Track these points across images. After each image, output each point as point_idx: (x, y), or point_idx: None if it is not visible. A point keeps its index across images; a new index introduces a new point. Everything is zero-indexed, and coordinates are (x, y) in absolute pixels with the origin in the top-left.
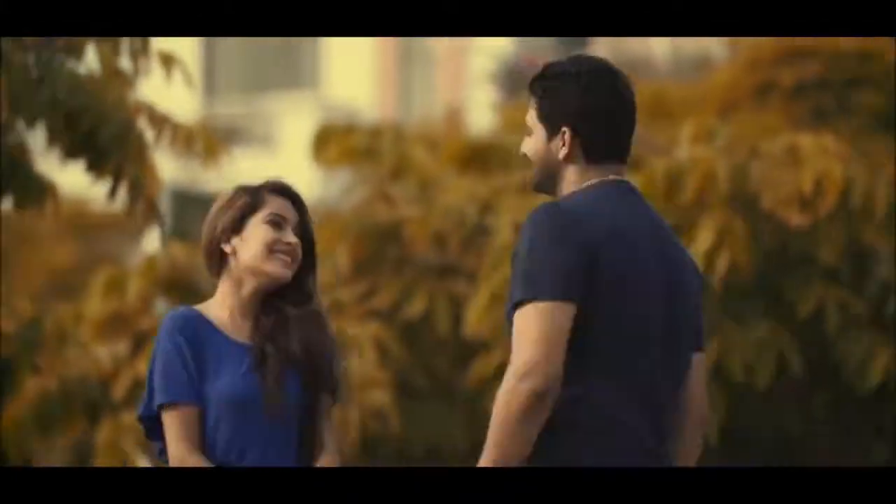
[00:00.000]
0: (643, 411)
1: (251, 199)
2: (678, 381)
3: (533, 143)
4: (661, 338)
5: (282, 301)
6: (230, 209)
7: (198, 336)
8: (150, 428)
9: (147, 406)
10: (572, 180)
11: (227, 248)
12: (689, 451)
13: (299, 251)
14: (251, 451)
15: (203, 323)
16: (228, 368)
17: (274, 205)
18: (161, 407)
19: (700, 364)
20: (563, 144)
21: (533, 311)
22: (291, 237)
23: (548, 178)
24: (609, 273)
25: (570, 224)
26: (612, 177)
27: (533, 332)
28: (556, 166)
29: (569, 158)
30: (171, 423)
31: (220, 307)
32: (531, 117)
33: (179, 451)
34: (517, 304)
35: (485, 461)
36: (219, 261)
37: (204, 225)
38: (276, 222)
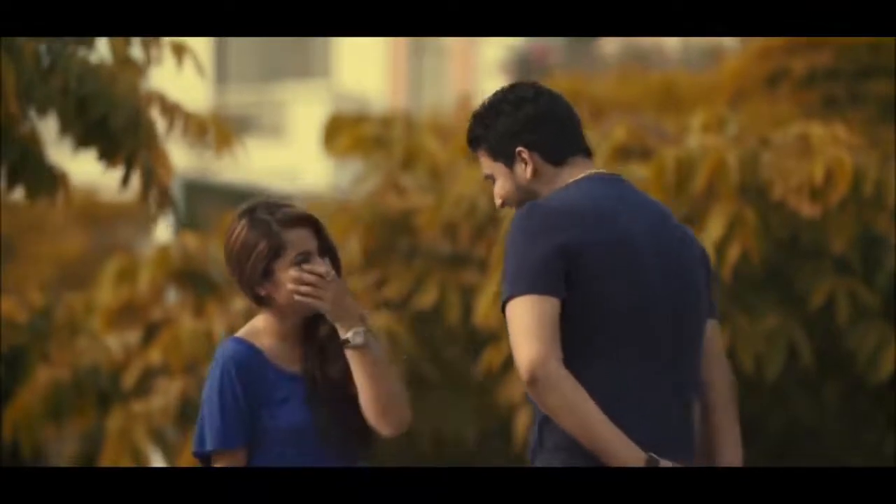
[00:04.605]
0: (652, 391)
1: (270, 242)
2: (690, 353)
3: (501, 184)
4: (662, 315)
5: (322, 324)
6: (250, 257)
7: (251, 374)
8: (207, 464)
9: (200, 445)
10: (550, 189)
11: (261, 292)
12: (726, 417)
13: (332, 273)
14: None
15: (255, 358)
16: (286, 401)
17: (294, 243)
18: (213, 451)
19: (714, 329)
20: (526, 163)
21: (515, 306)
22: (320, 267)
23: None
24: (597, 260)
25: (548, 221)
26: (591, 171)
27: (518, 326)
28: (529, 189)
29: (536, 172)
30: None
31: (268, 335)
32: (487, 166)
33: None
34: (503, 304)
35: (606, 457)
36: (257, 299)
37: (226, 260)
38: (304, 261)
